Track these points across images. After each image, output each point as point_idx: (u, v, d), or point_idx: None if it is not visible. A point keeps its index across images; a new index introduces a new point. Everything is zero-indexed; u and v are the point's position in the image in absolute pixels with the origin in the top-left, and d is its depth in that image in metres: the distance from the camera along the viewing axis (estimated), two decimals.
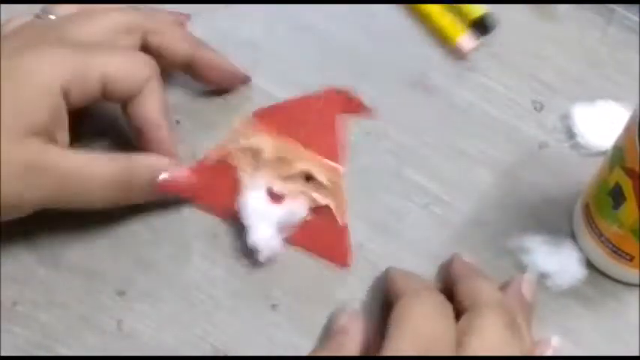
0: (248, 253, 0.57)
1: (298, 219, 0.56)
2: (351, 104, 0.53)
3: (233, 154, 0.56)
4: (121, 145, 0.61)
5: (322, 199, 0.56)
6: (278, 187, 0.56)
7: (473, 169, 0.61)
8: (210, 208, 0.59)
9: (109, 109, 0.60)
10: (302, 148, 0.55)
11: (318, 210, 0.56)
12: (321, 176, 0.55)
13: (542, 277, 0.56)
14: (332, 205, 0.56)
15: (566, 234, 0.58)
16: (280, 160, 0.55)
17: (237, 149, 0.56)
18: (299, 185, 0.56)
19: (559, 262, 0.57)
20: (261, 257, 0.56)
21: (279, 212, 0.56)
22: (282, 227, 0.57)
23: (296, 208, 0.56)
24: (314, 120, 0.54)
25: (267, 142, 0.55)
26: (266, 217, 0.56)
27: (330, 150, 0.54)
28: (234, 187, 0.57)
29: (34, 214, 0.56)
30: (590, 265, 0.57)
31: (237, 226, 0.57)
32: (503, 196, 0.60)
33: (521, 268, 0.57)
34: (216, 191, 0.58)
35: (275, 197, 0.57)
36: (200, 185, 0.58)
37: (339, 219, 0.56)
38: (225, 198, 0.58)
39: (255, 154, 0.56)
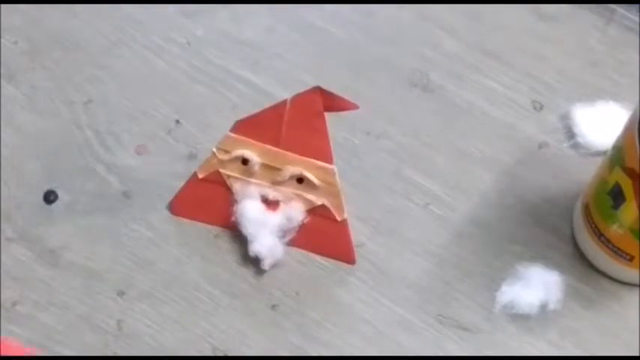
0: (248, 254, 0.57)
1: (297, 222, 0.56)
2: (334, 101, 0.53)
3: (222, 167, 0.56)
4: None
5: (317, 200, 0.56)
6: (272, 194, 0.56)
7: (473, 169, 0.61)
8: (208, 223, 0.59)
9: None
10: (287, 153, 0.54)
11: (315, 211, 0.56)
12: (312, 177, 0.55)
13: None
14: (328, 204, 0.56)
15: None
16: (269, 167, 0.55)
17: (226, 162, 0.56)
18: (292, 189, 0.56)
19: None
20: (265, 265, 0.56)
21: (277, 219, 0.56)
22: (282, 233, 0.57)
23: (293, 212, 0.56)
24: (290, 124, 0.54)
25: (252, 152, 0.55)
26: (265, 225, 0.56)
27: (317, 150, 0.54)
28: (228, 200, 0.57)
29: (34, 212, 0.56)
30: (590, 265, 0.57)
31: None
32: (503, 196, 0.60)
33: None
34: (211, 206, 0.58)
35: (271, 204, 0.57)
36: (195, 202, 0.58)
37: (337, 216, 0.56)
38: (222, 211, 0.57)
39: (243, 164, 0.56)
